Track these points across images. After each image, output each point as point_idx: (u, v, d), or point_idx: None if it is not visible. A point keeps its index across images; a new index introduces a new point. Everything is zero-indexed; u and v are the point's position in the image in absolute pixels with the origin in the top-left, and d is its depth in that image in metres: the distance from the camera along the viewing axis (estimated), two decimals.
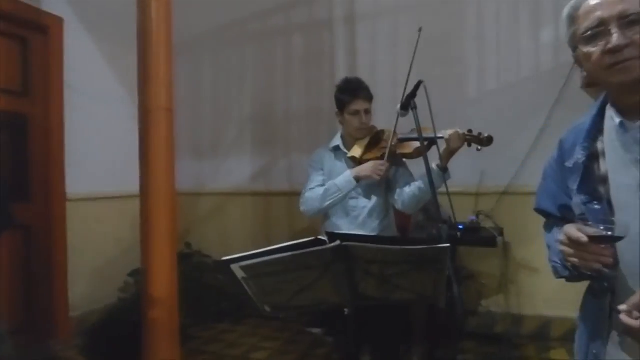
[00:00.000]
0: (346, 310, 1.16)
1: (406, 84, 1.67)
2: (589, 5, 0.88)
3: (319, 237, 0.98)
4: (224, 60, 3.99)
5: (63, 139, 3.04)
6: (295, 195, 3.99)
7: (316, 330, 2.60)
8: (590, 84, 3.10)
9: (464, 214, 2.98)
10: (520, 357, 2.84)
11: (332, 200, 1.83)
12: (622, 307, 0.76)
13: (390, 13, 3.51)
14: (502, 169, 3.11)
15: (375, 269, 0.99)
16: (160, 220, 1.68)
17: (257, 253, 1.02)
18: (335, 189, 1.81)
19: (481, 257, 3.11)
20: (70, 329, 2.98)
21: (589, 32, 0.88)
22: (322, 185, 1.92)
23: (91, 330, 2.68)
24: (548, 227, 1.07)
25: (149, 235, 1.67)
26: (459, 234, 1.80)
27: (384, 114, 3.72)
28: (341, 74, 3.76)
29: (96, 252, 3.30)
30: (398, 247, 0.95)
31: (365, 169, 1.77)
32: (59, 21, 3.04)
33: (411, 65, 1.71)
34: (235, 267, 1.03)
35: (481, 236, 2.73)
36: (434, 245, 0.94)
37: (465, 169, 2.73)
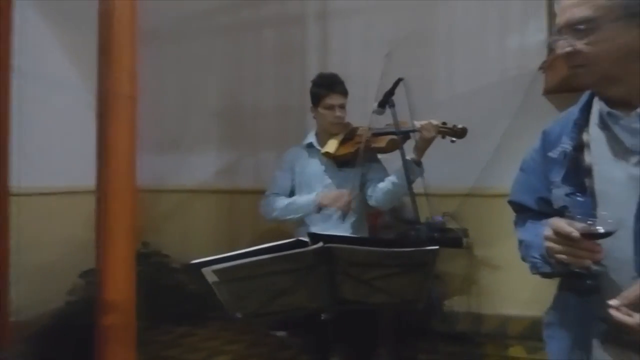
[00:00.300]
0: (323, 315, 1.10)
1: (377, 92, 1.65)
2: (558, 10, 0.88)
3: (300, 238, 0.92)
4: (190, 51, 3.83)
5: (8, 128, 2.78)
6: (261, 193, 3.91)
7: (281, 333, 2.54)
8: (551, 90, 3.21)
9: (424, 215, 3.00)
10: (480, 355, 2.90)
11: (290, 217, 1.85)
12: (613, 302, 0.75)
13: (363, 12, 3.49)
14: (466, 171, 3.17)
15: (358, 271, 0.94)
16: (120, 217, 1.55)
17: (232, 255, 0.94)
18: (296, 207, 1.79)
19: (445, 258, 3.15)
20: (11, 334, 2.73)
21: (554, 36, 0.89)
22: (288, 191, 1.88)
23: (35, 336, 2.47)
24: (521, 222, 1.04)
25: (106, 233, 1.54)
26: (436, 235, 1.79)
27: (356, 113, 3.70)
28: (312, 71, 3.68)
29: (44, 251, 3.05)
30: (386, 249, 0.90)
31: (329, 197, 1.74)
32: None
33: (378, 87, 1.70)
34: (206, 271, 0.95)
35: (448, 237, 2.76)
36: (423, 248, 0.90)
37: (430, 170, 2.76)
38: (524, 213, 1.04)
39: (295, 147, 1.98)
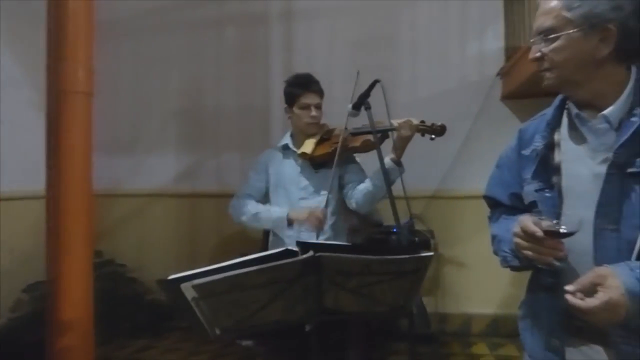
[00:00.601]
0: (307, 326, 1.05)
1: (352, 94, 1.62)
2: None
3: (289, 247, 0.85)
4: (148, 46, 3.63)
5: None
6: (225, 197, 3.73)
7: (246, 343, 2.47)
8: (509, 96, 3.31)
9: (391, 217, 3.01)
10: (446, 354, 2.95)
11: (259, 225, 1.80)
12: (569, 287, 0.79)
13: (327, 13, 3.46)
14: (430, 174, 3.21)
15: (348, 280, 0.89)
16: (76, 225, 1.40)
17: (215, 269, 0.86)
18: (266, 218, 1.73)
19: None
20: None
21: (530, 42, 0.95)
22: (261, 192, 1.80)
23: None
24: (495, 217, 1.09)
25: (60, 243, 1.38)
26: (417, 239, 1.77)
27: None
28: (276, 72, 3.63)
29: None
30: (379, 257, 0.86)
31: (301, 215, 1.68)
32: None
33: (352, 100, 1.67)
34: (186, 287, 0.86)
35: (414, 239, 2.78)
36: (418, 254, 0.86)
37: None
38: (498, 208, 1.09)
39: (270, 150, 1.90)
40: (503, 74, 3.13)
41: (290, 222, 1.69)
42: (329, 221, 1.78)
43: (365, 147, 1.73)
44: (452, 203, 3.26)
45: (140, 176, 3.63)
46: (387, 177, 1.41)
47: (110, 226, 3.55)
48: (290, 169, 1.79)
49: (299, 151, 1.77)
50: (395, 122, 1.62)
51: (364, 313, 0.96)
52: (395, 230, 2.92)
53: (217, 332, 0.97)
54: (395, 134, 1.63)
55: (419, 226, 3.08)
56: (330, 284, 0.89)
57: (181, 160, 3.64)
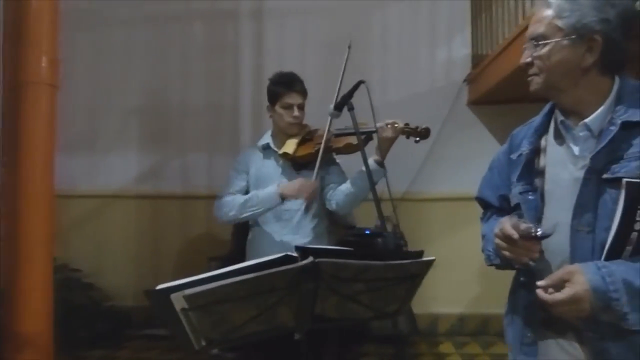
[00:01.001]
0: (297, 335, 1.00)
1: (337, 93, 1.60)
2: None
3: (289, 253, 0.80)
4: (109, 38, 3.44)
5: None
6: (190, 198, 3.67)
7: (214, 350, 2.38)
8: (474, 102, 3.41)
9: (365, 220, 3.02)
10: (414, 354, 2.99)
11: (250, 213, 1.70)
12: (540, 282, 0.83)
13: (299, 13, 3.43)
14: (399, 177, 3.25)
15: (346, 286, 0.86)
16: (36, 229, 1.27)
17: (206, 277, 0.80)
18: (256, 201, 1.66)
19: None
20: None
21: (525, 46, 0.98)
22: (243, 192, 1.74)
23: None
24: (486, 217, 1.14)
25: (18, 249, 1.24)
26: (404, 242, 1.74)
27: None
28: (245, 70, 3.54)
29: None
30: (382, 262, 0.84)
31: (292, 187, 1.64)
32: None
33: (341, 78, 1.65)
34: (176, 297, 0.79)
35: (386, 242, 2.79)
36: (421, 259, 0.85)
37: None
38: (488, 209, 1.14)
39: (250, 149, 1.84)
40: (469, 80, 3.22)
41: (283, 198, 1.64)
42: (311, 224, 1.74)
43: (348, 149, 1.70)
44: (420, 205, 3.31)
45: (98, 176, 3.43)
46: (371, 178, 1.39)
47: (64, 229, 3.32)
48: (271, 169, 1.74)
49: (281, 151, 1.73)
50: (381, 124, 1.61)
51: (356, 319, 0.94)
52: (367, 232, 2.95)
53: (203, 343, 0.91)
54: (379, 135, 1.62)
55: (389, 228, 3.10)
56: (327, 290, 0.85)
57: (143, 159, 3.47)
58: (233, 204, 1.69)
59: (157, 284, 0.78)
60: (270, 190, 1.66)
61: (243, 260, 3.61)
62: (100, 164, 3.42)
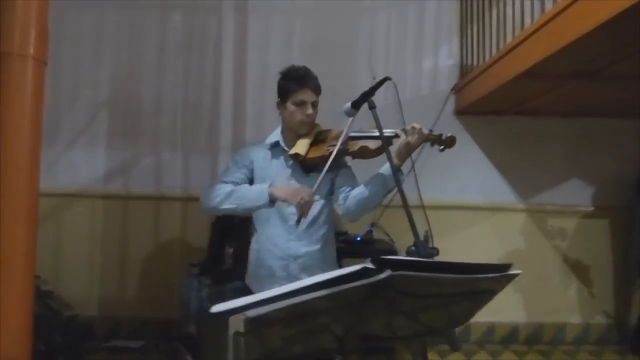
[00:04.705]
0: (338, 358, 0.89)
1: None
2: None
3: (367, 265, 0.68)
4: (78, 23, 3.16)
5: None
6: (164, 200, 3.42)
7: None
8: (461, 112, 3.45)
9: (356, 226, 2.95)
10: None
11: (233, 206, 1.53)
12: None
13: (285, 12, 3.33)
14: None
15: (409, 303, 0.77)
16: (15, 233, 1.05)
17: (268, 298, 0.67)
18: (242, 194, 1.51)
19: None
20: None
21: None
22: (239, 184, 1.59)
23: None
24: None
25: None
26: (436, 251, 1.61)
27: (273, 116, 3.47)
28: (227, 67, 3.38)
29: None
30: (466, 276, 0.74)
31: (284, 190, 1.51)
32: None
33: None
34: (235, 320, 0.66)
35: (380, 249, 2.74)
36: (509, 272, 0.76)
37: None
38: None
39: (256, 146, 1.69)
40: (457, 90, 3.26)
41: (272, 199, 1.49)
42: (320, 231, 1.64)
43: (364, 153, 1.61)
44: (404, 212, 3.28)
45: (60, 172, 3.13)
46: (399, 183, 1.30)
47: None
48: (279, 169, 1.61)
49: (292, 151, 1.60)
50: (407, 128, 1.52)
51: (416, 336, 0.84)
52: (358, 238, 2.87)
53: None
54: (404, 140, 1.53)
55: (380, 234, 3.05)
56: (390, 306, 0.75)
57: (112, 156, 3.21)
58: (220, 191, 1.52)
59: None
60: (260, 187, 1.52)
61: (223, 267, 3.41)
62: (62, 160, 3.13)
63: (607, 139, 3.20)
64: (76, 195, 3.12)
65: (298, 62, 3.29)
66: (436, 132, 1.58)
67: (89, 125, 3.21)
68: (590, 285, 3.31)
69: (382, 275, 0.67)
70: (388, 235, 3.06)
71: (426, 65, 3.33)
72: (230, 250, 3.04)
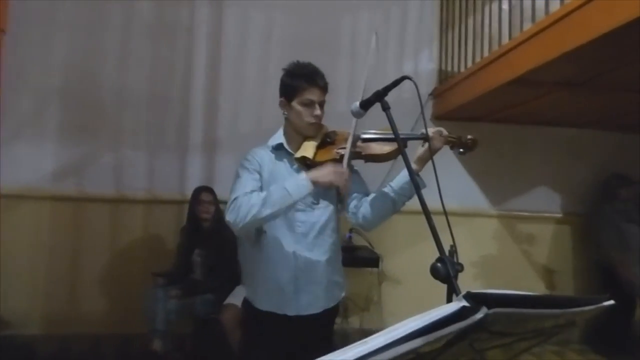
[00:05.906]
0: None
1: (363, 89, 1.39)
2: None
3: (463, 304, 0.54)
4: (26, 4, 2.77)
5: None
6: (123, 202, 3.07)
7: None
8: (439, 117, 3.44)
9: None
10: None
11: (275, 209, 1.33)
12: None
13: (265, 5, 3.15)
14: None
15: (510, 340, 0.64)
16: None
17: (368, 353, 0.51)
18: (282, 194, 1.31)
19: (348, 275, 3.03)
20: None
21: None
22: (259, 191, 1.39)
23: None
24: None
25: None
26: (461, 267, 1.46)
27: (248, 115, 3.27)
28: (200, 59, 3.12)
29: None
30: (564, 310, 0.63)
31: (325, 173, 1.34)
32: None
33: (367, 72, 1.45)
34: None
35: (362, 256, 2.63)
36: (601, 304, 0.65)
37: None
38: None
39: (259, 149, 1.49)
40: (435, 95, 3.24)
41: (314, 184, 1.30)
42: (330, 239, 1.48)
43: (378, 157, 1.47)
44: None
45: (1, 172, 2.72)
46: (419, 190, 1.18)
47: None
48: (284, 172, 1.44)
49: (298, 155, 1.44)
50: (430, 132, 1.41)
51: None
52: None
53: None
54: (422, 143, 1.42)
55: (359, 240, 2.94)
56: (486, 346, 0.63)
57: (63, 152, 2.87)
58: (252, 202, 1.31)
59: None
60: (298, 178, 1.33)
61: (192, 277, 3.11)
62: (3, 155, 2.72)
63: (579, 148, 3.33)
64: (17, 196, 2.74)
65: (276, 58, 3.16)
66: (455, 135, 1.49)
67: (36, 116, 2.83)
68: (554, 289, 3.42)
69: (482, 314, 0.54)
70: (368, 242, 2.98)
71: (407, 68, 3.29)
72: (198, 259, 2.79)
